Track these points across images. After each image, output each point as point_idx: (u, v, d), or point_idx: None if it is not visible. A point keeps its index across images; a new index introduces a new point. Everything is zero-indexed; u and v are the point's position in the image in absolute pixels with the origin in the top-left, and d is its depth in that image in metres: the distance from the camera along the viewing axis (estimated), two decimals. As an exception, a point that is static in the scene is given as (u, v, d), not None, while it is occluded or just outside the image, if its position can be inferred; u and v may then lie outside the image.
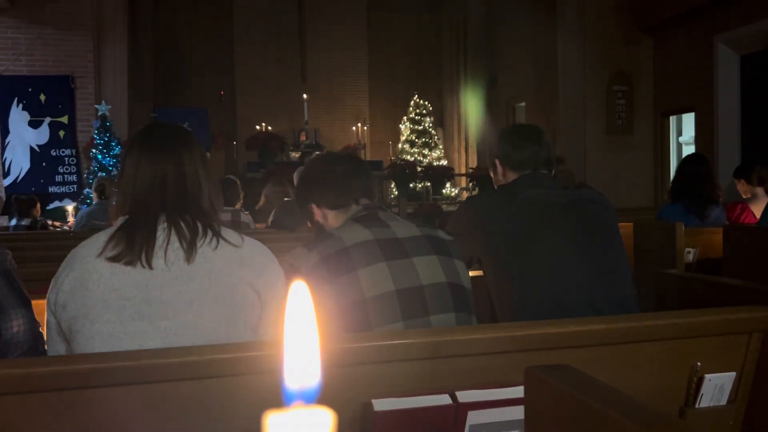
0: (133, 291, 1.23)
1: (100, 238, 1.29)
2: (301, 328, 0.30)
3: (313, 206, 1.72)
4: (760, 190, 4.23)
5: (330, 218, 1.70)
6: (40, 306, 1.52)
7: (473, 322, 1.60)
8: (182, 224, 1.30)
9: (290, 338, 0.30)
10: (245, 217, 4.56)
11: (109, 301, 1.23)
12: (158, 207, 1.31)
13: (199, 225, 1.31)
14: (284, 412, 0.28)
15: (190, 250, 1.27)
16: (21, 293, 1.48)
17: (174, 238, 1.28)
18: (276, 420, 0.27)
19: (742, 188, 4.34)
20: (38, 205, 6.12)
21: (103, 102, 8.60)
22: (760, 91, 7.23)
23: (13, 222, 5.87)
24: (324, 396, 1.06)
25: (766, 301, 1.38)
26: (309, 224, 1.81)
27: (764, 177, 4.32)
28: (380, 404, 1.13)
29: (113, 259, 1.25)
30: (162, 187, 1.33)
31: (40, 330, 1.49)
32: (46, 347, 1.35)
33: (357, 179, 1.71)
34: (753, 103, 7.37)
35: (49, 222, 6.20)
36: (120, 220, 1.32)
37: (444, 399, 1.16)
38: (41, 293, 1.59)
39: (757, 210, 3.97)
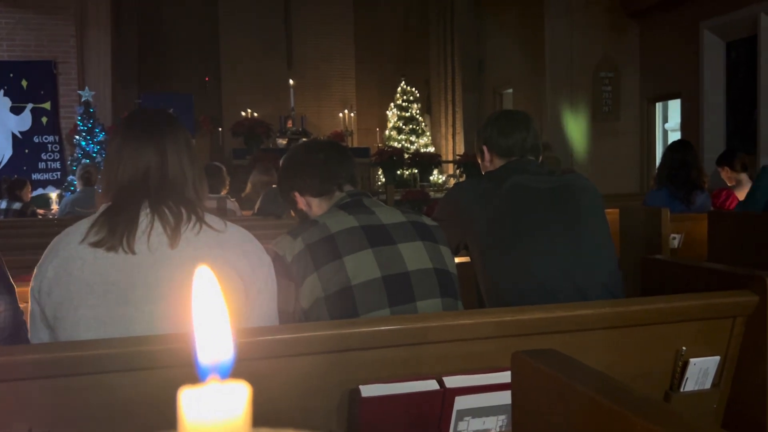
0: (117, 276, 1.23)
1: (83, 224, 1.28)
2: (211, 305, 0.30)
3: (296, 194, 1.71)
4: (744, 176, 4.27)
5: (314, 206, 1.69)
6: (23, 294, 1.50)
7: (459, 308, 1.60)
8: (166, 210, 1.29)
9: (200, 314, 0.29)
10: (231, 204, 4.54)
11: (93, 286, 1.22)
12: (141, 194, 1.30)
13: (183, 210, 1.30)
14: (199, 387, 0.27)
15: (174, 235, 1.26)
16: (5, 279, 1.46)
17: (157, 223, 1.27)
18: (190, 395, 0.27)
19: (727, 175, 4.37)
20: (29, 186, 6.02)
21: (86, 88, 8.48)
22: (745, 77, 7.27)
23: (3, 204, 5.75)
24: (311, 382, 1.06)
25: (750, 286, 1.39)
26: (292, 213, 1.79)
27: (747, 163, 4.36)
28: (367, 390, 1.13)
29: (96, 245, 1.24)
30: (144, 176, 1.32)
31: (23, 318, 1.47)
32: (29, 335, 1.34)
33: (340, 166, 1.70)
34: (738, 89, 7.42)
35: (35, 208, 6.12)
36: (103, 207, 1.31)
37: (431, 384, 1.16)
38: (23, 281, 1.57)
39: (742, 196, 4.00)
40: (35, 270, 1.28)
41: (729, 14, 7.18)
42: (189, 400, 0.27)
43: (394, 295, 1.48)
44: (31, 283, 1.28)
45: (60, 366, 1.04)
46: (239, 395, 0.27)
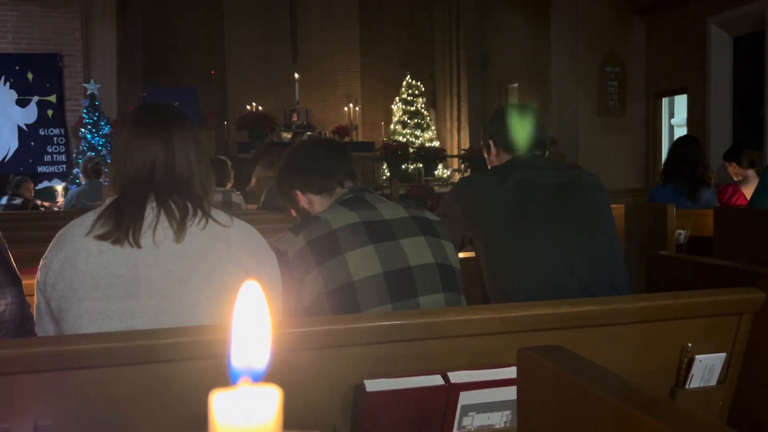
0: (121, 269, 1.23)
1: (89, 217, 1.28)
2: (250, 308, 0.29)
3: (298, 193, 1.71)
4: (751, 172, 4.25)
5: (316, 203, 1.69)
6: (29, 287, 1.50)
7: (462, 303, 1.60)
8: (172, 204, 1.29)
9: (238, 317, 0.29)
10: (236, 197, 4.54)
11: (97, 279, 1.22)
12: (147, 188, 1.30)
13: (189, 205, 1.30)
14: (231, 390, 0.27)
15: (179, 229, 1.26)
16: (12, 272, 1.46)
17: (163, 217, 1.27)
18: (222, 398, 0.27)
19: (733, 171, 4.36)
20: (31, 183, 6.06)
21: (91, 80, 8.49)
22: (752, 72, 7.23)
23: (4, 200, 5.79)
24: (316, 377, 1.06)
25: (756, 282, 1.38)
26: (293, 213, 1.78)
27: (755, 159, 4.34)
28: (372, 385, 1.13)
29: (101, 238, 1.24)
30: (151, 171, 1.32)
31: (30, 311, 1.48)
32: (35, 328, 1.34)
33: (340, 162, 1.70)
34: (745, 84, 7.38)
35: (39, 202, 6.14)
36: (109, 200, 1.31)
37: (436, 379, 1.16)
38: (29, 274, 1.57)
39: (749, 192, 3.98)
40: (41, 262, 1.28)
41: (736, 9, 7.14)
42: (220, 403, 0.27)
43: (396, 291, 1.48)
44: (37, 276, 1.28)
45: (64, 359, 1.04)
46: (271, 399, 0.27)
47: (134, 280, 1.23)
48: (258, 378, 0.29)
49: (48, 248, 1.29)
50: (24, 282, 1.52)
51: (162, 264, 1.25)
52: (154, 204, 1.29)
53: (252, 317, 0.29)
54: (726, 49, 7.53)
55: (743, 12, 7.09)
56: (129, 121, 1.40)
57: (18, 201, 5.68)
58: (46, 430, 1.04)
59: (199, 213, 1.30)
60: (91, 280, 1.22)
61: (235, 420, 0.27)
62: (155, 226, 1.26)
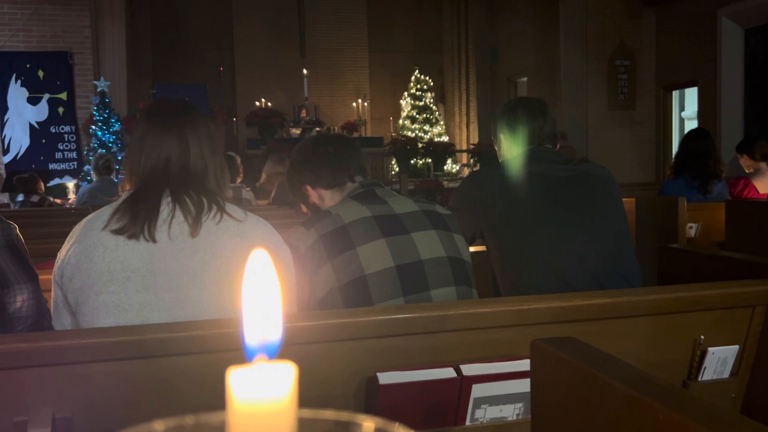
0: (137, 263, 1.24)
1: (105, 211, 1.30)
2: (261, 285, 0.30)
3: (308, 188, 1.71)
4: (763, 165, 4.22)
5: (326, 198, 1.70)
6: (44, 282, 1.52)
7: (474, 296, 1.60)
8: (187, 199, 1.30)
9: (249, 295, 0.30)
10: (246, 193, 4.56)
11: (114, 273, 1.23)
12: (163, 184, 1.32)
13: (204, 200, 1.31)
14: (247, 367, 0.28)
15: (195, 224, 1.28)
16: (28, 268, 1.48)
17: (178, 212, 1.29)
18: (238, 375, 0.27)
19: (745, 163, 4.33)
20: (40, 181, 6.11)
21: (102, 78, 8.53)
22: (763, 65, 7.17)
23: (20, 197, 5.84)
24: (329, 370, 1.06)
25: (769, 274, 1.38)
26: (304, 209, 1.78)
27: (767, 152, 4.30)
28: (385, 377, 1.14)
29: (117, 232, 1.25)
30: (166, 165, 1.33)
31: (47, 306, 1.49)
32: (52, 322, 1.36)
33: (349, 157, 1.70)
34: (756, 77, 7.32)
35: (51, 199, 6.19)
36: (125, 194, 1.33)
37: (449, 372, 1.17)
38: (42, 269, 1.59)
39: (760, 184, 3.96)
40: (58, 256, 1.30)
41: (747, 1, 7.08)
42: (237, 380, 0.27)
43: (408, 284, 1.49)
44: (54, 269, 1.30)
45: (81, 352, 1.06)
46: (286, 375, 0.28)
47: (150, 274, 1.24)
48: (273, 354, 0.29)
49: (65, 241, 1.30)
50: (41, 278, 1.54)
51: (177, 258, 1.26)
52: (170, 199, 1.30)
53: (262, 289, 0.30)
54: (737, 41, 7.47)
55: (754, 4, 7.03)
56: (143, 117, 1.41)
57: (35, 199, 5.73)
58: (64, 422, 1.06)
59: (214, 208, 1.32)
60: (108, 273, 1.24)
61: (252, 395, 0.27)
62: (170, 221, 1.28)
